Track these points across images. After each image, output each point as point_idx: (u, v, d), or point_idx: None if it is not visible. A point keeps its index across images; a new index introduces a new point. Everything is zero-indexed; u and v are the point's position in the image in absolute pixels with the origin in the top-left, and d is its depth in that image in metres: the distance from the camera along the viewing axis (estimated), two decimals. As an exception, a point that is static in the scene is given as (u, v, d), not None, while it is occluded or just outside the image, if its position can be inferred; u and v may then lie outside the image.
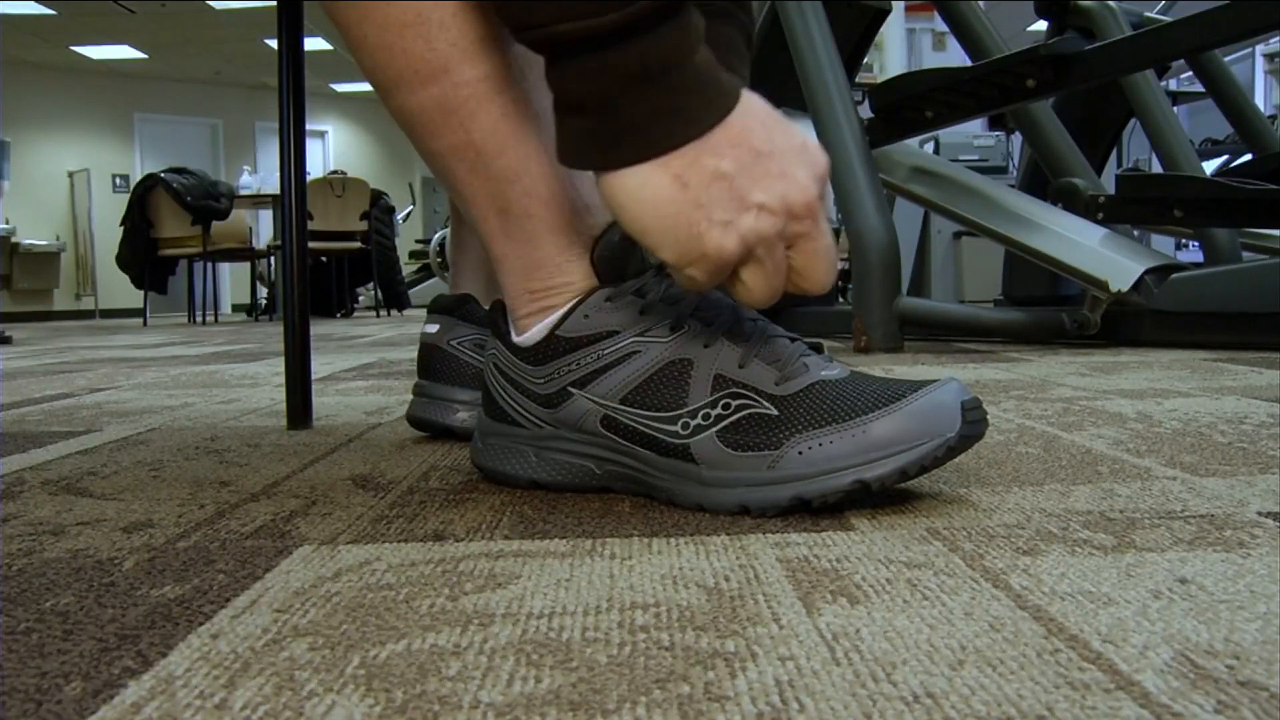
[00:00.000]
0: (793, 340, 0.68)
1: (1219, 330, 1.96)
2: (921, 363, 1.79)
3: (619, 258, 0.68)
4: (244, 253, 6.91)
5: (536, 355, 0.70)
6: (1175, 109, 2.98)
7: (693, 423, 0.65)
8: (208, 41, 10.05)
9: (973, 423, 0.62)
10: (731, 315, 0.68)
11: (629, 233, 0.58)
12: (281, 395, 1.26)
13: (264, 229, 9.60)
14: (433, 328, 0.99)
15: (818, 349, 0.69)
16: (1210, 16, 1.93)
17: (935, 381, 0.64)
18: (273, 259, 7.12)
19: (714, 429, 0.64)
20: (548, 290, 0.69)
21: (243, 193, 6.91)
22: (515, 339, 0.72)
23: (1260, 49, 7.21)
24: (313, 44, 8.85)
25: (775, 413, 0.63)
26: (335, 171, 7.24)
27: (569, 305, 0.68)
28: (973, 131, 4.83)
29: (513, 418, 0.73)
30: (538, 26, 0.53)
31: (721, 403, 0.64)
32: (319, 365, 2.10)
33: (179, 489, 0.76)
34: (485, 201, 0.68)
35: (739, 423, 0.64)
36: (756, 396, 0.64)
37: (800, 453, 0.62)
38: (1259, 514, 0.60)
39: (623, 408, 0.67)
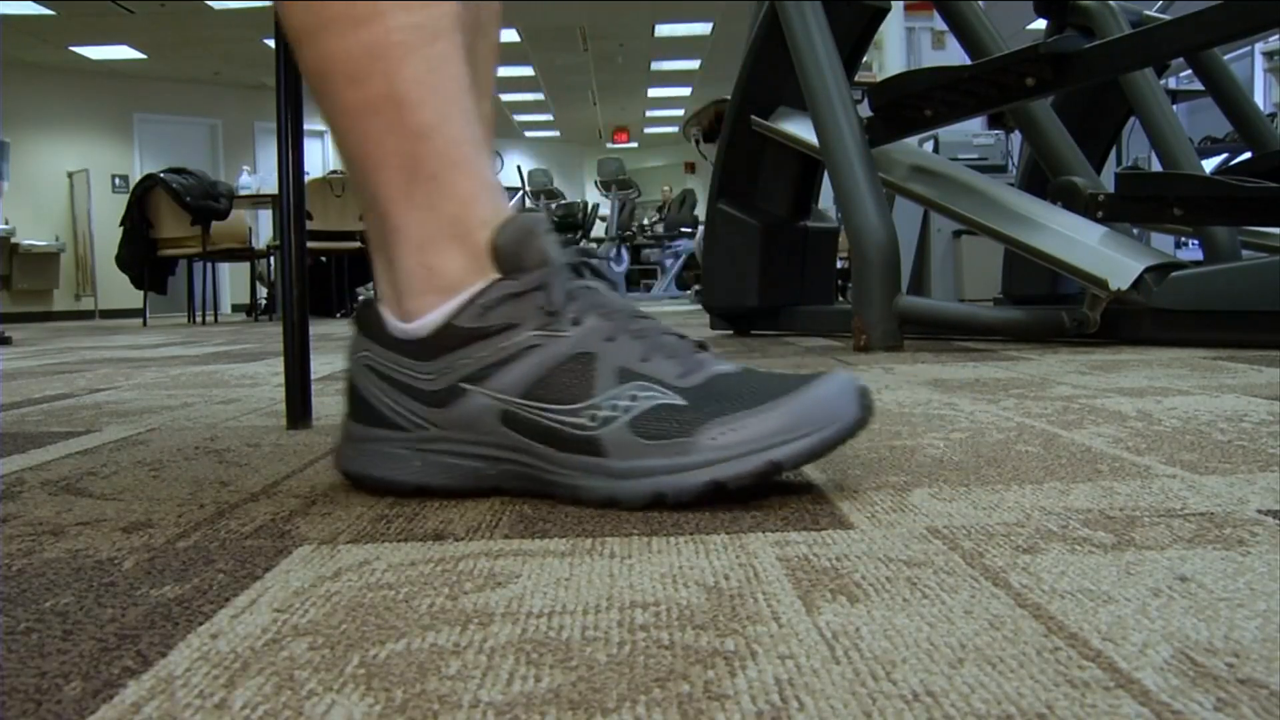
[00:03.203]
0: (681, 338, 0.70)
1: (1219, 328, 1.96)
2: (921, 361, 1.79)
3: (518, 247, 0.67)
4: (243, 253, 6.91)
5: (428, 349, 0.68)
6: (1175, 107, 2.98)
7: (600, 414, 0.65)
8: (207, 41, 10.05)
9: (866, 408, 0.66)
10: (629, 311, 0.69)
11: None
12: (281, 395, 1.26)
13: (264, 229, 9.60)
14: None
15: (703, 347, 0.70)
16: (1209, 15, 1.92)
17: (829, 373, 0.67)
18: (272, 259, 7.12)
19: (624, 419, 0.65)
20: (445, 269, 0.68)
21: (242, 193, 6.91)
22: (404, 326, 0.69)
23: (1259, 47, 7.20)
24: (312, 44, 8.83)
25: (684, 402, 0.65)
26: (335, 171, 7.23)
27: (467, 294, 0.67)
28: (972, 130, 4.83)
29: (391, 420, 0.70)
30: None
31: (629, 394, 0.65)
32: (319, 365, 2.10)
33: (179, 489, 0.76)
34: (393, 162, 0.67)
35: (650, 412, 0.65)
36: (663, 388, 0.65)
37: (713, 438, 0.63)
38: (1259, 512, 0.60)
39: (525, 402, 0.66)
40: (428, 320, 0.68)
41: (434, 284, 0.68)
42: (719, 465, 0.63)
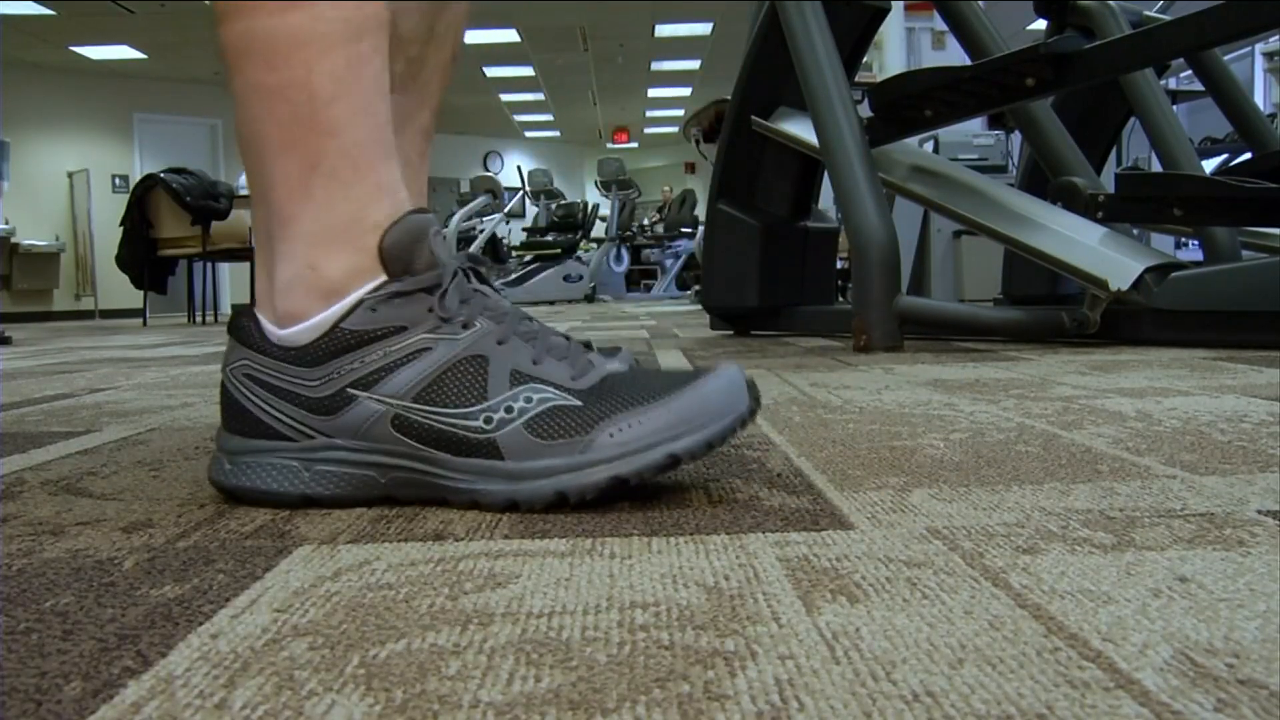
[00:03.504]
0: (568, 339, 0.70)
1: (1219, 329, 1.96)
2: (921, 361, 1.79)
3: (409, 249, 0.67)
4: (244, 253, 6.89)
5: (312, 354, 0.67)
6: (1175, 107, 2.98)
7: (495, 416, 0.65)
8: (207, 41, 10.04)
9: (756, 399, 0.68)
10: (517, 315, 0.69)
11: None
12: (281, 395, 1.26)
13: (264, 229, 9.59)
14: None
15: (590, 348, 0.71)
16: (1209, 15, 1.92)
17: (717, 367, 0.68)
18: (272, 259, 7.10)
19: (520, 420, 0.65)
20: (330, 271, 0.66)
21: (242, 193, 6.90)
22: (284, 332, 0.68)
23: (1260, 48, 7.20)
24: (312, 44, 8.82)
25: (579, 403, 0.65)
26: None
27: (354, 296, 0.66)
28: (972, 130, 4.82)
29: (275, 430, 0.68)
30: None
31: (524, 396, 0.65)
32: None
33: (179, 489, 0.76)
34: (295, 152, 0.66)
35: (545, 413, 0.65)
36: (557, 390, 0.66)
37: (611, 435, 0.64)
38: (1259, 512, 0.60)
39: (417, 406, 0.65)
40: (312, 323, 0.67)
41: (318, 286, 0.67)
42: (619, 461, 0.64)
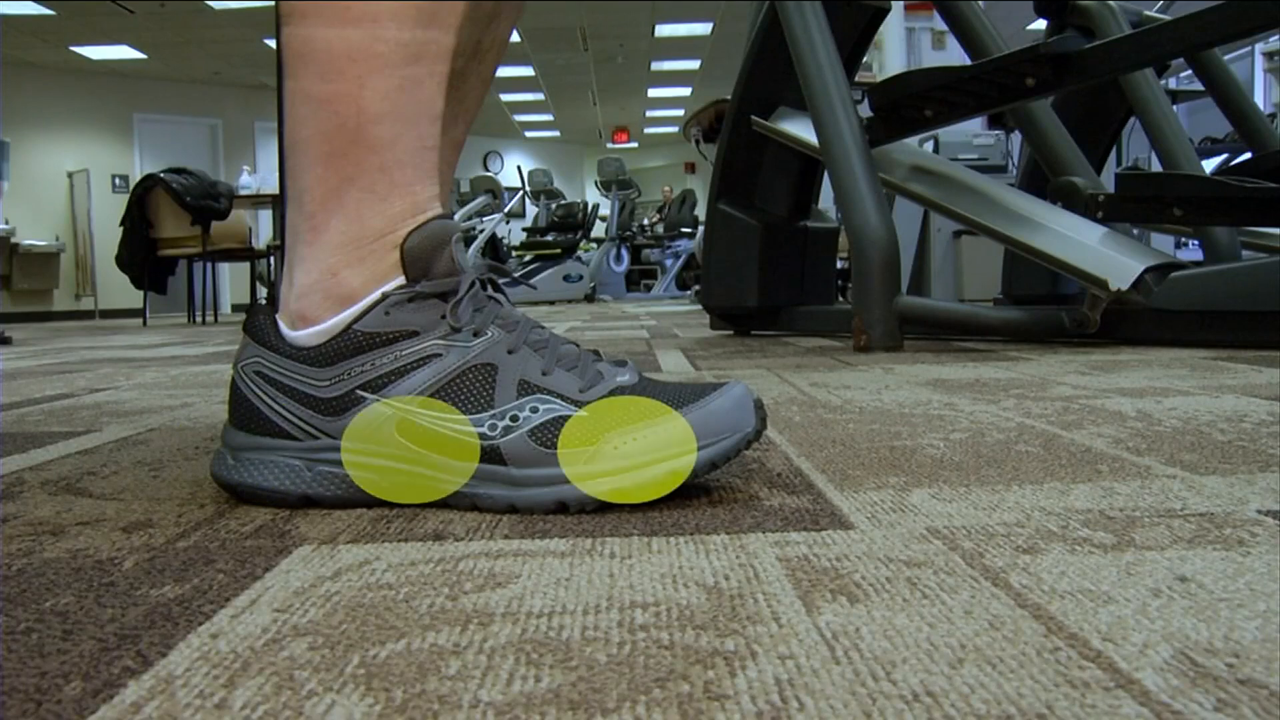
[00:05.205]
0: (578, 347, 0.70)
1: (1219, 328, 1.96)
2: (921, 361, 1.79)
3: (429, 254, 0.67)
4: (244, 253, 6.90)
5: (324, 354, 0.67)
6: (1175, 107, 2.98)
7: (501, 424, 0.65)
8: (207, 41, 10.05)
9: (762, 419, 0.68)
10: (528, 324, 0.69)
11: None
12: (281, 395, 1.26)
13: (263, 229, 9.60)
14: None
15: (599, 356, 0.71)
16: (1209, 15, 1.92)
17: (725, 384, 0.68)
18: (272, 259, 7.11)
19: (524, 429, 0.65)
20: (350, 280, 0.67)
21: (242, 193, 6.90)
22: (299, 333, 0.68)
23: (1260, 47, 7.20)
24: (312, 44, 8.82)
25: (585, 415, 0.66)
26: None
27: (371, 298, 0.67)
28: (972, 130, 4.82)
29: (281, 429, 0.68)
30: None
31: (529, 406, 0.65)
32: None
33: (179, 489, 0.76)
34: (335, 164, 0.67)
35: (551, 423, 0.65)
36: (563, 401, 0.66)
37: (616, 447, 0.64)
38: (1259, 512, 0.60)
39: (423, 411, 0.66)
40: (327, 325, 0.67)
41: (336, 293, 0.67)
42: (622, 475, 0.64)
